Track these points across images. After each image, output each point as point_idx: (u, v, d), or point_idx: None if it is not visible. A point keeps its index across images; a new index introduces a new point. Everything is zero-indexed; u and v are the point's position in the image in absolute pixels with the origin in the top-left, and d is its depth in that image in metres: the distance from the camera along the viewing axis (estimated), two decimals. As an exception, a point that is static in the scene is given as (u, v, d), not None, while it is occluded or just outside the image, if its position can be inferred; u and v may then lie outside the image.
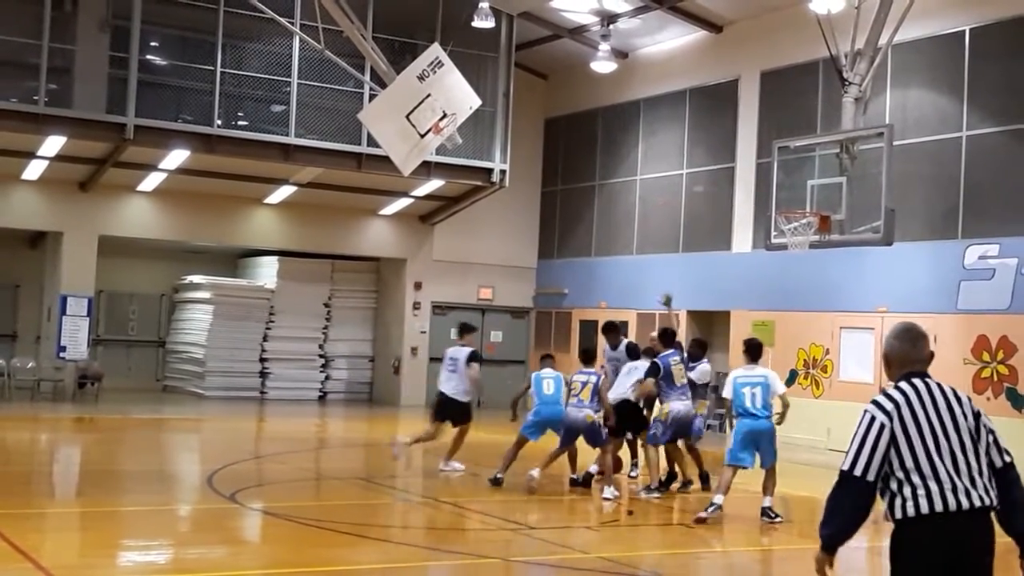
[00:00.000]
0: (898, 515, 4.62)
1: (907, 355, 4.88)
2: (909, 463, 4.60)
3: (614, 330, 15.39)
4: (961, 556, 4.55)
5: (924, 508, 4.55)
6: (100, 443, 18.06)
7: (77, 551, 9.79)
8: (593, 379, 13.42)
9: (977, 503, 4.56)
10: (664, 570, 9.83)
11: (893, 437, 4.63)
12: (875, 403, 4.75)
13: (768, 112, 22.25)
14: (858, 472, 4.64)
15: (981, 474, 4.64)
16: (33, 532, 10.11)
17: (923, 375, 4.82)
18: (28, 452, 17.19)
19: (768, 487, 12.13)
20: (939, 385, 4.79)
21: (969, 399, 4.82)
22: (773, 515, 11.98)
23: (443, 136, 17.00)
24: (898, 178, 17.02)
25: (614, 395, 13.77)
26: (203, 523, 11.57)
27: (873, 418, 4.69)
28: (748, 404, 11.92)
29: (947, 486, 4.55)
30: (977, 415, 4.76)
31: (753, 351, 12.38)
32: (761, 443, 12.02)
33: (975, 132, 18.42)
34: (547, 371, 14.15)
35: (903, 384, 4.79)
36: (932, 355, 4.95)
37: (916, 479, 4.58)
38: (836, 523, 4.72)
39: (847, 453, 4.71)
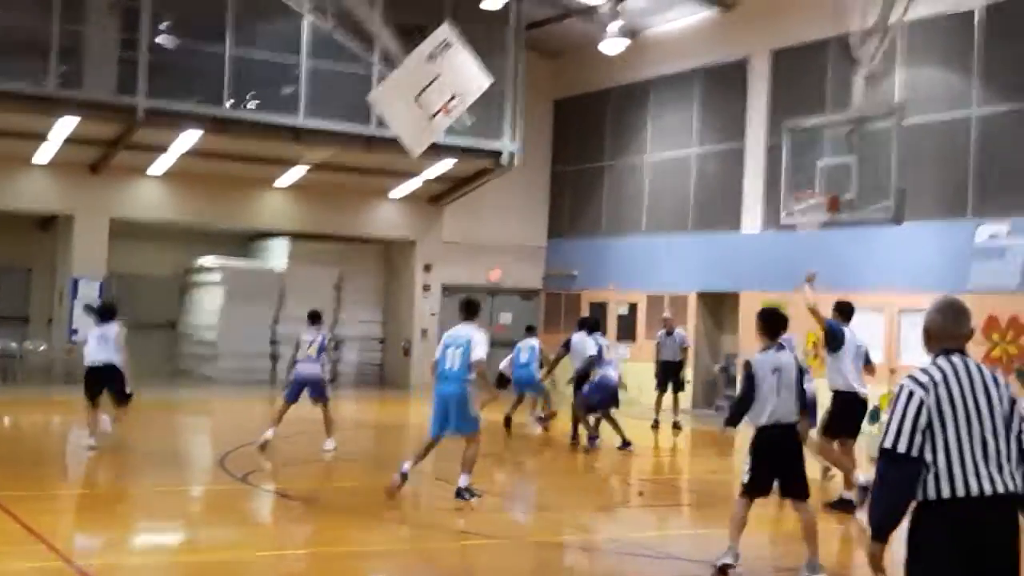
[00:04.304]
0: (919, 497, 4.52)
1: (947, 330, 4.74)
2: (938, 443, 4.50)
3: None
4: (982, 543, 4.45)
5: (946, 492, 4.46)
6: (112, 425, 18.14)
7: (90, 533, 9.85)
8: (319, 338, 14.78)
9: (1001, 489, 4.47)
10: (675, 550, 9.87)
11: (928, 414, 4.53)
12: (912, 378, 4.62)
13: (778, 91, 22.17)
14: (901, 449, 4.50)
15: (1009, 460, 4.54)
16: (46, 514, 10.16)
17: (962, 352, 4.69)
18: (40, 434, 17.30)
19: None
20: (978, 365, 4.66)
21: (1007, 384, 4.71)
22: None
23: (452, 117, 16.97)
24: (908, 157, 16.95)
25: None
26: (215, 504, 11.64)
27: (911, 393, 4.56)
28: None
29: (971, 470, 4.46)
30: (1013, 401, 4.63)
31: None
32: None
33: (986, 111, 18.34)
34: (525, 341, 18.44)
35: (941, 361, 4.66)
36: (972, 332, 4.84)
37: (942, 461, 4.48)
38: (883, 504, 4.56)
39: (886, 430, 4.57)
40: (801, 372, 8.79)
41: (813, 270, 12.29)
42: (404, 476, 11.11)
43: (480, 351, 11.01)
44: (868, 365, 12.06)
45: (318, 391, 14.86)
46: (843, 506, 11.33)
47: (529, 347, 18.28)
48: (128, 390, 14.34)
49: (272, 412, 14.98)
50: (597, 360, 15.96)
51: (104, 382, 14.26)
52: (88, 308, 15.20)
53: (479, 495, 11.22)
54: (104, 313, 14.92)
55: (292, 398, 14.79)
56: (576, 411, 16.33)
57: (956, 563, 4.46)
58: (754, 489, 8.60)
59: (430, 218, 27.08)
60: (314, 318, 15.34)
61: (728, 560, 8.50)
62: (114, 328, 14.37)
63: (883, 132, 16.92)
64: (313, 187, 25.47)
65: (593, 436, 16.03)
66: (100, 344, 14.29)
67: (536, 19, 25.45)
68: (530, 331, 19.35)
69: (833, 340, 11.46)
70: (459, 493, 11.20)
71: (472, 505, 11.08)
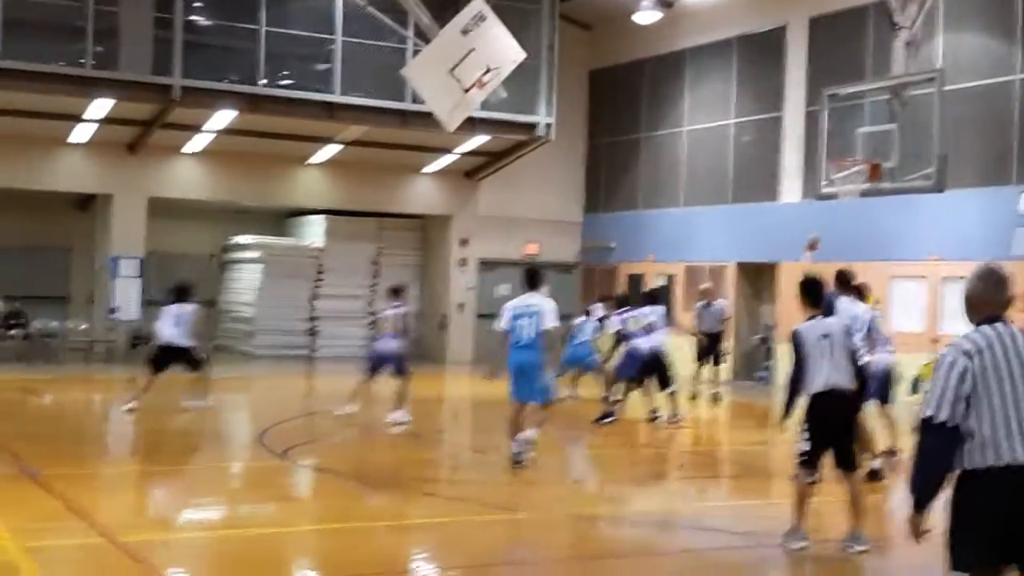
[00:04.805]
0: (963, 466, 4.46)
1: (989, 297, 4.69)
2: (983, 412, 4.44)
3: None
4: None
5: (991, 460, 4.40)
6: (152, 403, 18.25)
7: (131, 509, 9.90)
8: (400, 313, 14.84)
9: None
10: (715, 522, 9.80)
11: (972, 382, 4.47)
12: (954, 346, 4.56)
13: (817, 59, 21.90)
14: (941, 418, 4.45)
15: None
16: (88, 491, 10.24)
17: (1004, 320, 4.64)
18: (81, 413, 17.44)
19: None
20: (1021, 332, 4.60)
21: None
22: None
23: (487, 91, 16.90)
24: (950, 124, 16.71)
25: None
26: (255, 480, 11.68)
27: (953, 361, 4.51)
28: None
29: (1016, 439, 4.40)
30: None
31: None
32: None
33: (1029, 75, 18.04)
34: (585, 321, 17.74)
35: (983, 328, 4.60)
36: (1014, 299, 4.77)
37: (986, 430, 4.43)
38: (923, 474, 4.54)
39: (927, 399, 4.53)
40: (851, 337, 8.58)
41: (815, 236, 12.10)
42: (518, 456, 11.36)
43: (552, 319, 11.25)
44: (870, 335, 11.89)
45: (398, 367, 14.94)
46: (872, 476, 11.24)
47: (588, 329, 17.87)
48: (200, 357, 15.22)
49: (351, 389, 15.06)
50: (622, 338, 16.03)
51: (174, 360, 14.67)
52: (170, 290, 15.55)
53: (525, 462, 11.28)
54: (180, 293, 15.22)
55: (371, 374, 14.91)
56: (607, 382, 16.33)
57: (999, 532, 4.41)
58: (811, 462, 8.36)
59: (466, 192, 27.01)
60: (395, 292, 15.26)
61: (800, 544, 8.31)
62: (189, 308, 14.77)
63: (924, 98, 16.69)
64: (348, 163, 25.46)
65: (609, 412, 15.58)
66: (175, 324, 14.73)
67: (570, -11, 25.25)
68: (587, 314, 19.22)
69: (826, 311, 11.21)
70: (519, 445, 11.35)
71: (524, 462, 11.25)
